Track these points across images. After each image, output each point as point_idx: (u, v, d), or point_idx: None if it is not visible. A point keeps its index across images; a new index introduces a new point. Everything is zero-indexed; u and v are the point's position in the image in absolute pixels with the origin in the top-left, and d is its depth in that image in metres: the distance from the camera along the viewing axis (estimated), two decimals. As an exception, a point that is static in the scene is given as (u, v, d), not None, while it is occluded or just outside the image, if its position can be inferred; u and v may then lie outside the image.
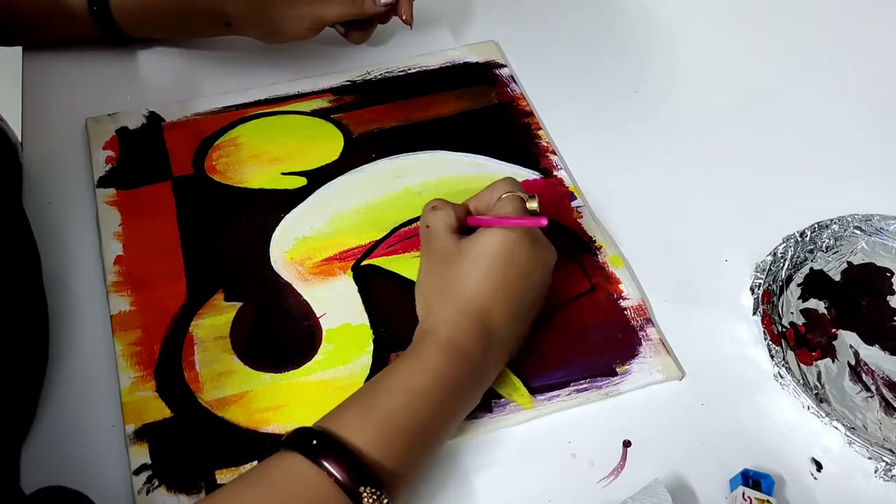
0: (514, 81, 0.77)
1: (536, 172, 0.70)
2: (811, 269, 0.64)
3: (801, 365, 0.59)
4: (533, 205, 0.56)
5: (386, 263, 0.64)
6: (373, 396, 0.50)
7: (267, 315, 0.60)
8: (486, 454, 0.54)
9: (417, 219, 0.66)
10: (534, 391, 0.57)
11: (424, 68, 0.78)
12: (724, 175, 0.71)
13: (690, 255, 0.65)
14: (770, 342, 0.58)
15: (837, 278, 0.64)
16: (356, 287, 0.62)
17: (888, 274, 0.65)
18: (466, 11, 0.85)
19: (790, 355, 0.59)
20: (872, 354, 0.60)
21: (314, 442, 0.46)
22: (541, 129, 0.73)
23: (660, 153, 0.72)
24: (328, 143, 0.72)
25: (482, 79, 0.77)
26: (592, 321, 0.60)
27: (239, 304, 0.61)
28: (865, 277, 0.64)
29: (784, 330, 0.60)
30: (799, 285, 0.63)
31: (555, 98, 0.76)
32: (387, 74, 0.77)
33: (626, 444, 0.55)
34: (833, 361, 0.59)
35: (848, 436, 0.53)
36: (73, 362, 0.58)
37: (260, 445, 0.54)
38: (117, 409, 0.55)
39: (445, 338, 0.52)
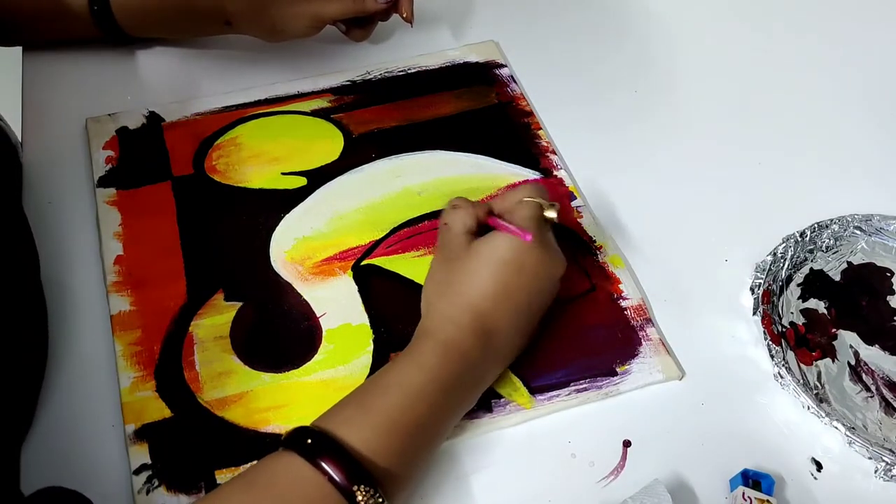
0: (514, 81, 0.77)
1: (536, 172, 0.70)
2: (811, 269, 0.64)
3: (801, 365, 0.59)
4: (551, 214, 0.55)
5: (386, 263, 0.64)
6: (369, 395, 0.50)
7: (267, 315, 0.60)
8: (486, 454, 0.54)
9: (417, 219, 0.66)
10: (534, 391, 0.57)
11: (424, 68, 0.78)
12: (724, 175, 0.71)
13: (690, 254, 0.65)
14: (770, 342, 0.58)
15: (837, 278, 0.64)
16: (356, 287, 0.62)
17: (888, 274, 0.65)
18: (466, 11, 0.84)
19: (790, 355, 0.59)
20: (872, 354, 0.60)
21: (309, 441, 0.46)
22: (541, 129, 0.73)
23: (660, 153, 0.72)
24: (328, 143, 0.72)
25: (482, 79, 0.77)
26: (592, 321, 0.60)
27: (239, 304, 0.61)
28: (865, 277, 0.64)
29: (784, 330, 0.60)
30: (799, 285, 0.63)
31: (555, 98, 0.76)
32: (387, 74, 0.77)
33: (626, 444, 0.55)
34: (833, 361, 0.59)
35: (848, 436, 0.53)
36: (72, 362, 0.58)
37: (260, 445, 0.54)
38: (117, 409, 0.55)
39: (444, 337, 0.52)
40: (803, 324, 0.61)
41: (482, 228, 0.56)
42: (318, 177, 0.69)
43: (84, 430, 0.55)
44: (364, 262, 0.64)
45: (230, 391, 0.56)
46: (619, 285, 0.63)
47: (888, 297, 0.63)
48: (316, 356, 0.58)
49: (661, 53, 0.82)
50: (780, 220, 0.65)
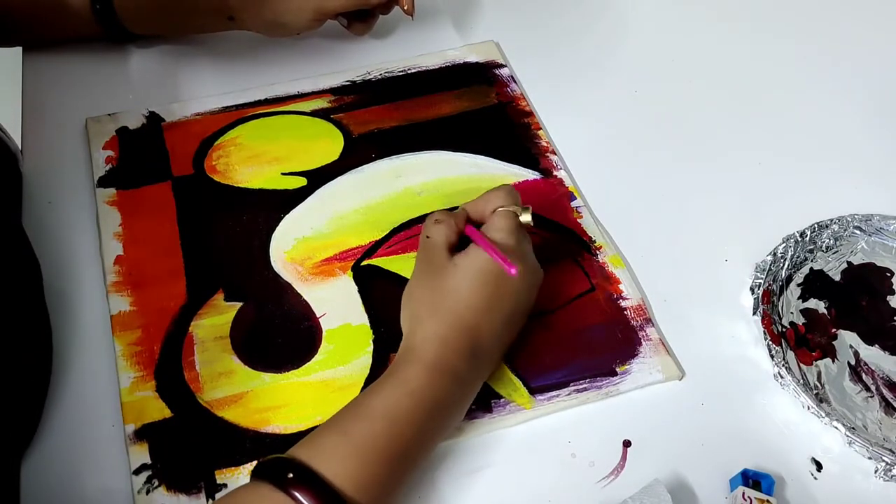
0: (514, 81, 0.77)
1: (536, 172, 0.70)
2: (811, 269, 0.64)
3: (801, 365, 0.59)
4: (526, 217, 0.56)
5: (386, 263, 0.64)
6: (352, 422, 0.48)
7: (267, 315, 0.60)
8: (486, 454, 0.54)
9: (418, 219, 0.66)
10: (534, 391, 0.57)
11: (424, 68, 0.78)
12: (724, 175, 0.71)
13: (690, 254, 0.65)
14: (770, 342, 0.58)
15: (837, 278, 0.64)
16: (356, 287, 0.62)
17: (888, 274, 0.65)
18: (466, 11, 0.85)
19: (790, 355, 0.59)
20: (872, 354, 0.60)
21: (290, 474, 0.44)
22: (541, 129, 0.73)
23: (660, 153, 0.73)
24: (328, 143, 0.72)
25: (482, 79, 0.77)
26: (592, 321, 0.60)
27: (239, 304, 0.61)
28: (865, 277, 0.64)
29: (784, 330, 0.60)
30: (799, 285, 0.63)
31: (555, 98, 0.76)
32: (387, 74, 0.77)
33: (626, 444, 0.55)
34: (833, 361, 0.59)
35: (848, 436, 0.53)
36: (73, 362, 0.58)
37: (260, 445, 0.54)
38: (117, 409, 0.55)
39: (432, 357, 0.51)
40: (803, 324, 0.61)
41: (462, 239, 0.56)
42: (318, 177, 0.69)
43: (84, 429, 0.55)
44: (364, 263, 0.64)
45: (230, 391, 0.56)
46: (619, 285, 0.63)
47: (888, 297, 0.63)
48: (316, 356, 0.58)
49: (661, 54, 0.82)
50: (780, 220, 0.65)
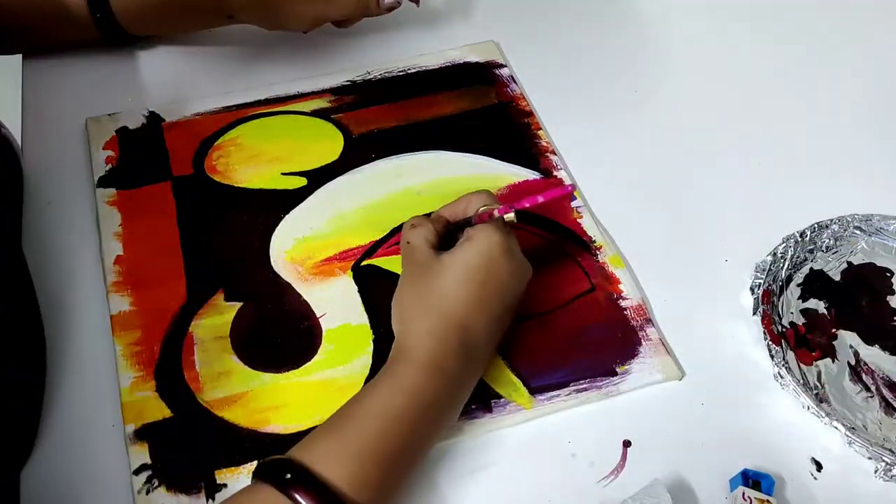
0: (514, 81, 0.77)
1: (536, 172, 0.70)
2: (811, 269, 0.64)
3: (801, 365, 0.59)
4: (511, 216, 0.55)
5: (386, 264, 0.64)
6: (348, 423, 0.48)
7: (267, 315, 0.60)
8: (486, 454, 0.54)
9: (417, 219, 0.66)
10: (534, 391, 0.57)
11: (424, 68, 0.78)
12: (724, 175, 0.71)
13: (690, 255, 0.65)
14: (770, 342, 0.58)
15: (837, 278, 0.64)
16: (356, 287, 0.62)
17: (888, 274, 0.65)
18: (466, 11, 0.84)
19: (790, 355, 0.59)
20: (872, 354, 0.60)
21: (288, 475, 0.44)
22: (541, 129, 0.73)
23: (660, 153, 0.72)
24: (328, 144, 0.72)
25: (482, 79, 0.77)
26: (592, 321, 0.60)
27: (239, 304, 0.61)
28: (865, 277, 0.64)
29: (784, 330, 0.60)
30: (799, 285, 0.63)
31: (555, 98, 0.76)
32: (387, 74, 0.77)
33: (626, 444, 0.55)
34: (833, 361, 0.59)
35: (848, 436, 0.53)
36: (73, 362, 0.58)
37: (260, 445, 0.54)
38: (117, 409, 0.55)
39: (425, 356, 0.51)
40: (803, 324, 0.61)
41: (442, 242, 0.57)
42: (318, 177, 0.69)
43: (84, 429, 0.55)
44: (364, 263, 0.64)
45: (230, 391, 0.56)
46: (619, 285, 0.63)
47: (888, 297, 0.63)
48: (316, 356, 0.58)
49: (661, 54, 0.82)
50: (780, 220, 0.65)
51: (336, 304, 0.61)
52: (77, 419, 0.55)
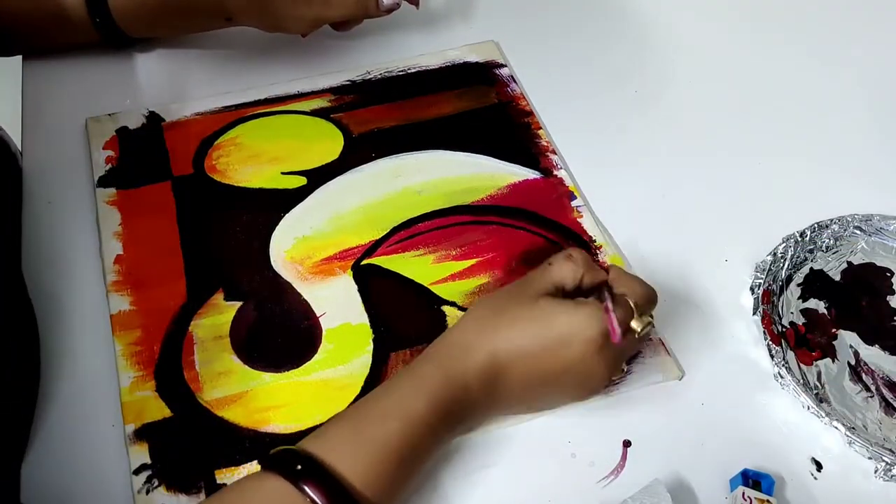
0: (514, 81, 0.77)
1: (537, 172, 0.70)
2: (811, 269, 0.64)
3: (801, 365, 0.59)
4: (636, 325, 0.51)
5: (386, 263, 0.64)
6: (365, 418, 0.48)
7: (267, 315, 0.60)
8: (487, 454, 0.54)
9: (417, 218, 0.66)
10: (534, 391, 0.57)
11: (424, 68, 0.78)
12: (724, 175, 0.71)
13: (690, 254, 0.65)
14: (770, 342, 0.58)
15: (837, 278, 0.64)
16: (356, 286, 0.62)
17: (888, 274, 0.65)
18: (466, 11, 0.84)
19: (790, 355, 0.59)
20: (872, 354, 0.60)
21: (298, 466, 0.44)
22: (541, 128, 0.73)
23: (660, 153, 0.72)
24: (328, 143, 0.72)
25: (482, 79, 0.77)
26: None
27: (239, 304, 0.61)
28: (865, 277, 0.64)
29: (784, 330, 0.60)
30: (799, 285, 0.63)
31: (555, 98, 0.76)
32: (387, 74, 0.77)
33: (626, 444, 0.55)
34: (833, 361, 0.59)
35: (848, 436, 0.53)
36: (72, 362, 0.58)
37: (260, 445, 0.54)
38: (117, 409, 0.55)
39: (451, 364, 0.49)
40: (803, 324, 0.61)
41: (574, 293, 0.52)
42: (318, 176, 0.69)
43: (84, 429, 0.55)
44: (364, 262, 0.64)
45: (230, 391, 0.56)
46: (619, 285, 0.62)
47: (888, 297, 0.63)
48: (316, 356, 0.58)
49: (661, 54, 0.82)
50: (780, 220, 0.65)
51: (336, 304, 0.61)
52: (77, 419, 0.55)
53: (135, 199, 0.67)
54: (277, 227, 0.66)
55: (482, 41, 0.81)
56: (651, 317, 0.52)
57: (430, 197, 0.68)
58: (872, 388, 0.58)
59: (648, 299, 0.52)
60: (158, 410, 0.55)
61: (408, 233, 0.65)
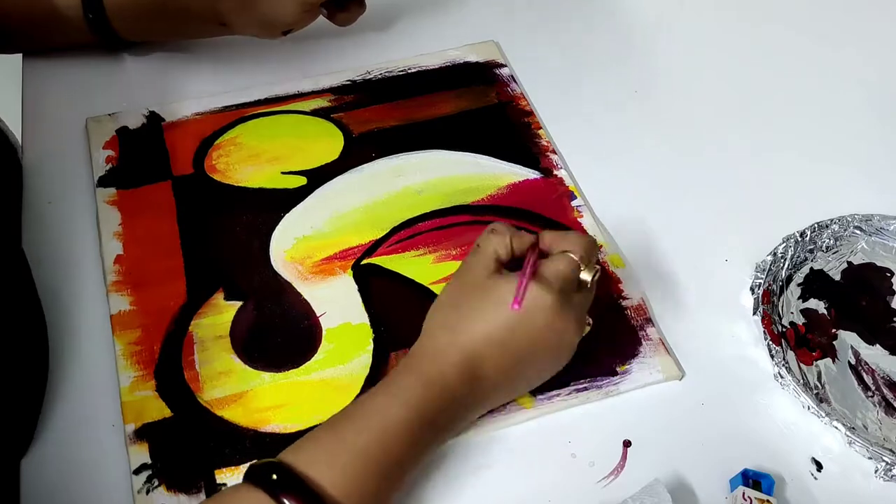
0: (514, 81, 0.77)
1: (536, 172, 0.70)
2: (811, 269, 0.64)
3: (801, 365, 0.59)
4: (585, 276, 0.52)
5: (386, 262, 0.64)
6: (345, 428, 0.47)
7: (267, 315, 0.60)
8: (486, 454, 0.54)
9: (418, 218, 0.66)
10: (534, 391, 0.57)
11: (424, 68, 0.78)
12: (725, 175, 0.71)
13: (691, 254, 0.65)
14: (770, 342, 0.58)
15: (837, 278, 0.64)
16: (356, 286, 0.62)
17: (888, 274, 0.65)
18: (466, 11, 0.84)
19: (790, 355, 0.59)
20: (872, 354, 0.60)
21: (275, 477, 0.44)
22: (541, 128, 0.73)
23: (660, 153, 0.72)
24: (328, 143, 0.72)
25: (482, 79, 0.77)
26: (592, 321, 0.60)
27: (239, 304, 0.61)
28: (865, 277, 0.64)
29: (784, 330, 0.60)
30: (799, 285, 0.63)
31: (555, 98, 0.76)
32: (387, 74, 0.77)
33: (626, 444, 0.55)
34: (833, 361, 0.59)
35: (848, 436, 0.53)
36: (72, 362, 0.58)
37: (260, 445, 0.54)
38: (117, 409, 0.55)
39: (430, 371, 0.49)
40: (803, 324, 0.61)
41: (514, 263, 0.52)
42: (318, 176, 0.69)
43: (84, 429, 0.55)
44: (364, 262, 0.64)
45: (230, 391, 0.56)
46: (619, 285, 0.63)
47: (888, 297, 0.63)
48: (316, 356, 0.58)
49: (661, 53, 0.82)
50: (780, 220, 0.65)
51: (336, 304, 0.61)
52: (77, 419, 0.55)
53: (135, 199, 0.67)
54: (277, 227, 0.66)
55: (482, 41, 0.81)
56: (598, 264, 0.53)
57: (430, 197, 0.68)
58: (872, 388, 0.58)
59: (590, 249, 0.53)
60: (158, 410, 0.55)
61: (408, 232, 0.65)
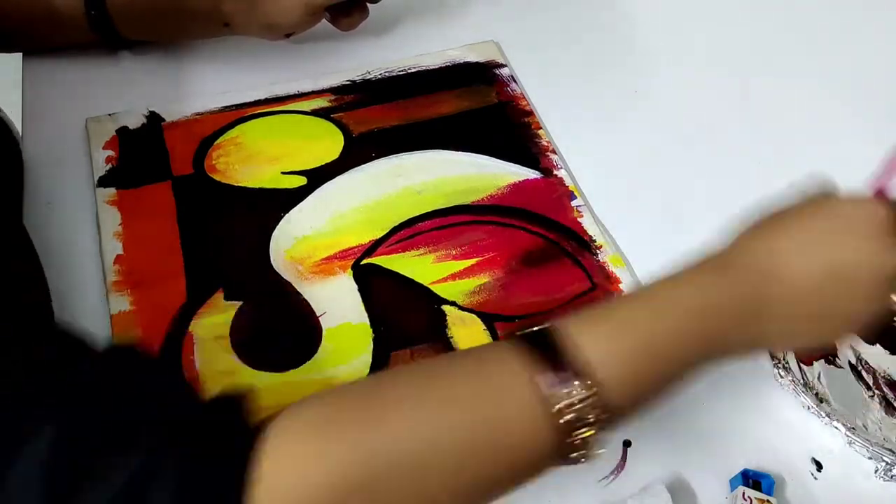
0: (514, 81, 0.77)
1: (537, 172, 0.70)
2: (811, 268, 0.64)
3: (801, 365, 0.59)
4: None
5: (386, 262, 0.64)
6: (638, 309, 0.44)
7: (267, 314, 0.60)
8: (486, 454, 0.54)
9: (418, 218, 0.66)
10: (534, 391, 0.57)
11: (424, 68, 0.78)
12: (725, 175, 0.71)
13: (691, 254, 0.65)
14: (770, 342, 0.58)
15: (838, 278, 0.64)
16: (356, 286, 0.62)
17: (888, 274, 0.64)
18: (466, 11, 0.84)
19: (790, 355, 0.59)
20: (873, 354, 0.60)
21: (544, 340, 0.40)
22: (541, 128, 0.73)
23: (660, 153, 0.72)
24: (328, 143, 0.72)
25: (482, 79, 0.77)
26: (592, 321, 0.60)
27: (239, 304, 0.61)
28: (866, 277, 0.64)
29: (784, 330, 0.60)
30: (799, 285, 0.63)
31: (555, 98, 0.76)
32: (387, 74, 0.77)
33: (626, 444, 0.55)
34: (833, 361, 0.59)
35: (848, 436, 0.53)
36: (72, 362, 0.58)
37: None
38: (117, 409, 0.55)
39: (748, 283, 0.44)
40: (803, 324, 0.61)
41: None
42: (318, 176, 0.69)
43: (84, 429, 0.55)
44: (364, 262, 0.64)
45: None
46: (619, 285, 0.63)
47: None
48: (316, 355, 0.58)
49: (661, 53, 0.82)
50: (781, 219, 0.65)
51: (336, 303, 0.61)
52: (77, 419, 0.55)
53: (135, 199, 0.67)
54: (277, 227, 0.65)
55: (482, 41, 0.81)
56: None
57: (430, 197, 0.68)
58: (873, 387, 0.58)
59: None
60: (158, 410, 0.55)
61: (408, 232, 0.65)
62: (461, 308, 0.61)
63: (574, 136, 0.73)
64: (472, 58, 0.79)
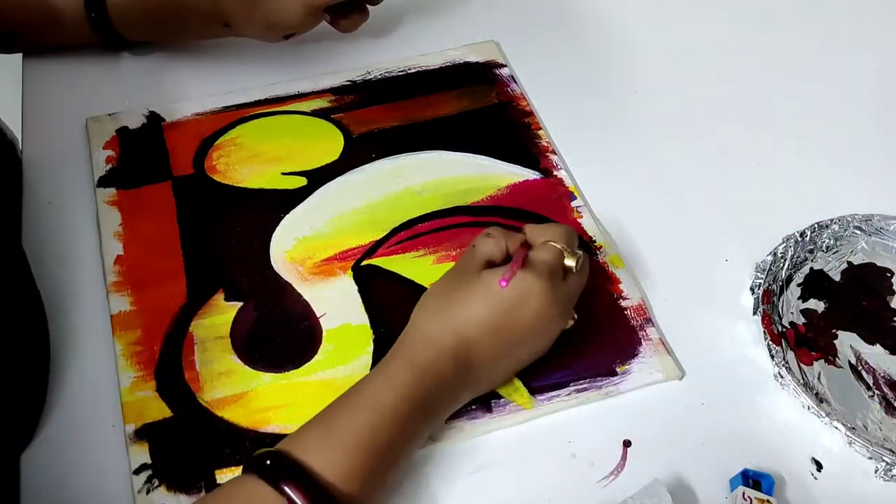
0: (514, 81, 0.77)
1: (536, 172, 0.70)
2: (811, 269, 0.64)
3: (801, 365, 0.59)
4: (570, 262, 0.54)
5: (386, 263, 0.64)
6: (338, 414, 0.49)
7: (267, 315, 0.60)
8: (486, 454, 0.54)
9: (418, 219, 0.66)
10: (534, 391, 0.57)
11: (424, 68, 0.78)
12: (724, 175, 0.71)
13: (690, 255, 0.65)
14: (770, 342, 0.58)
15: (837, 278, 0.64)
16: (356, 287, 0.62)
17: (888, 274, 0.65)
18: (466, 11, 0.84)
19: (790, 355, 0.59)
20: (873, 354, 0.60)
21: (274, 465, 0.45)
22: (541, 129, 0.73)
23: (660, 153, 0.72)
24: (328, 143, 0.72)
25: (482, 79, 0.77)
26: (592, 321, 0.60)
27: (239, 304, 0.61)
28: (865, 277, 0.64)
29: (784, 330, 0.60)
30: (799, 285, 0.63)
31: (555, 98, 0.76)
32: (387, 74, 0.77)
33: (626, 444, 0.55)
34: (833, 361, 0.59)
35: (848, 436, 0.53)
36: (73, 362, 0.58)
37: (260, 445, 0.54)
38: (117, 409, 0.55)
39: (421, 359, 0.51)
40: (803, 324, 0.61)
41: (507, 260, 0.54)
42: (318, 177, 0.69)
43: (84, 429, 0.55)
44: (364, 263, 0.64)
45: (230, 391, 0.56)
46: (619, 285, 0.63)
47: (888, 297, 0.63)
48: (316, 356, 0.59)
49: (661, 54, 0.82)
50: (780, 220, 0.65)
51: (336, 304, 0.61)
52: (77, 419, 0.55)
53: (135, 199, 0.67)
54: (277, 228, 0.66)
55: (482, 41, 0.81)
56: (580, 251, 0.55)
57: (430, 197, 0.68)
58: (873, 387, 0.58)
59: (569, 237, 0.55)
60: (159, 410, 0.55)
61: (408, 233, 0.65)
62: (461, 308, 0.61)
63: (574, 137, 0.73)
64: (472, 58, 0.79)
